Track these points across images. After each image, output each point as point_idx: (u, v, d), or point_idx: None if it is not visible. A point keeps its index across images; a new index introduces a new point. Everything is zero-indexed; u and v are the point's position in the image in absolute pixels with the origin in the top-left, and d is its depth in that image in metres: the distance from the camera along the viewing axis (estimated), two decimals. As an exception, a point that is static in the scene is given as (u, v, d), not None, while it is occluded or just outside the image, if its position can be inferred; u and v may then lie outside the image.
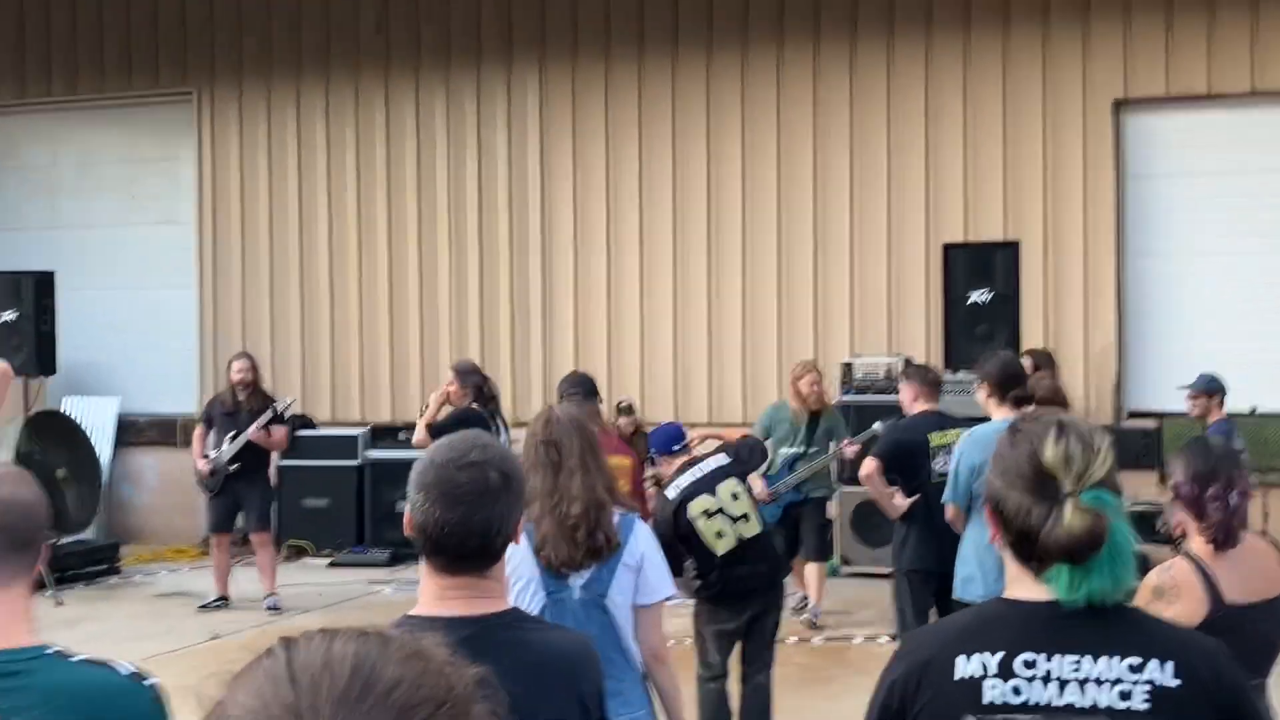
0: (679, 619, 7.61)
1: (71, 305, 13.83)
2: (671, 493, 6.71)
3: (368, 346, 14.07)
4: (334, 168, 14.16)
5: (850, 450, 9.75)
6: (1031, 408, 6.75)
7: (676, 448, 6.86)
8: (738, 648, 6.99)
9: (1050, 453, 2.33)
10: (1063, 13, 12.27)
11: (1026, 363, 9.07)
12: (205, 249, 14.58)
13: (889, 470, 7.50)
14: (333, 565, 12.76)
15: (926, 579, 7.41)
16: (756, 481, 9.36)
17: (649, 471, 8.72)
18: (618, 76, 13.35)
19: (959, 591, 6.64)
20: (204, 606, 11.04)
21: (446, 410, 9.49)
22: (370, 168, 14.05)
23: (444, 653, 1.16)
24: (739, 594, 6.77)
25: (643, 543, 4.40)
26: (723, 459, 6.88)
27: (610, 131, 13.38)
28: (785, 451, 10.04)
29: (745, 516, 6.74)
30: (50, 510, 2.56)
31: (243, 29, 14.41)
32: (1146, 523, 9.08)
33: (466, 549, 2.59)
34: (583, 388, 6.92)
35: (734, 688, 7.09)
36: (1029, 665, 2.33)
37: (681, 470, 6.76)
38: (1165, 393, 11.07)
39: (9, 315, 13.10)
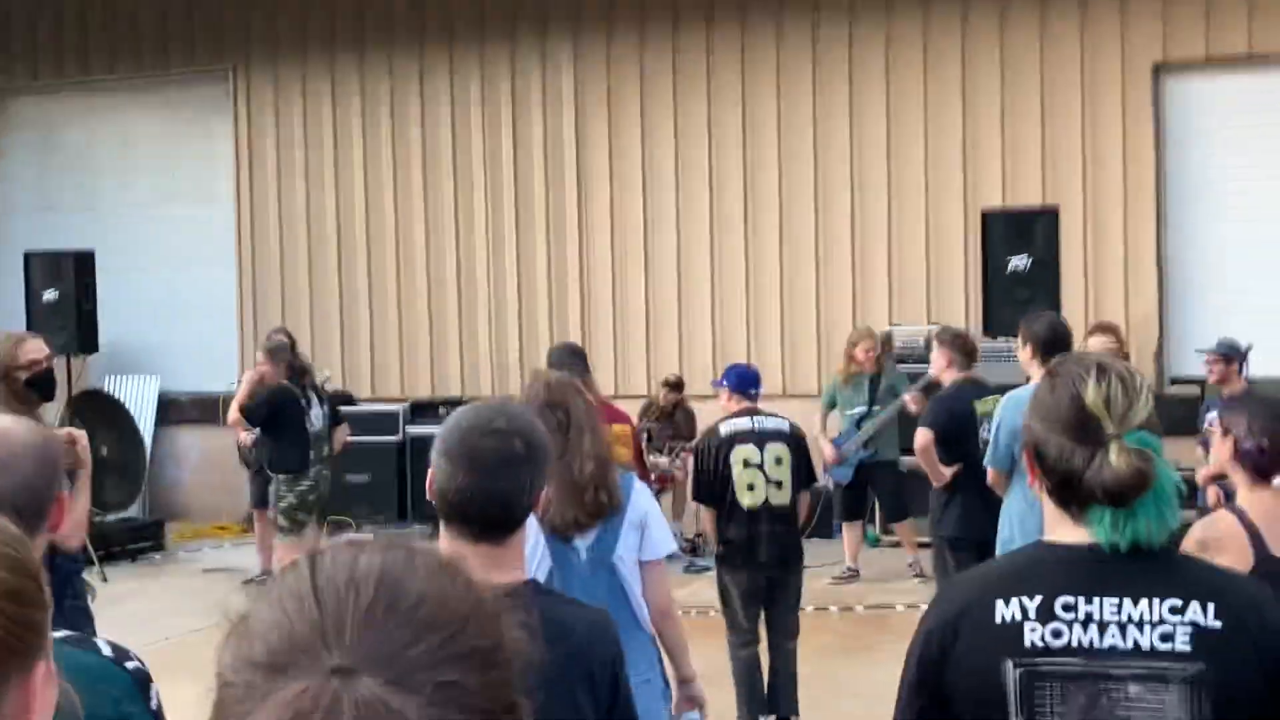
0: (710, 590, 7.64)
1: (111, 284, 13.90)
2: (724, 429, 6.82)
3: (406, 322, 14.10)
4: (370, 144, 14.18)
5: (914, 404, 9.78)
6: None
7: (753, 391, 6.96)
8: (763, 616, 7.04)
9: (1092, 395, 2.30)
10: (1101, -24, 12.14)
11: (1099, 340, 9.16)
12: (243, 227, 14.63)
13: (937, 440, 7.44)
14: (374, 540, 12.79)
15: (968, 547, 7.35)
16: (825, 445, 9.54)
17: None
18: (652, 48, 13.30)
19: (999, 554, 6.60)
20: (249, 581, 11.10)
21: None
22: (405, 143, 14.06)
23: (468, 568, 1.14)
24: (753, 552, 6.84)
25: (644, 501, 4.43)
26: (784, 425, 6.95)
27: (645, 105, 13.34)
28: (850, 413, 10.57)
29: (780, 483, 6.80)
30: (39, 478, 2.47)
31: (278, 5, 14.43)
32: (1190, 489, 9.00)
33: (487, 516, 2.57)
34: (579, 358, 6.90)
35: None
36: (1069, 608, 2.30)
37: (740, 414, 6.86)
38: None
39: (50, 295, 13.18)
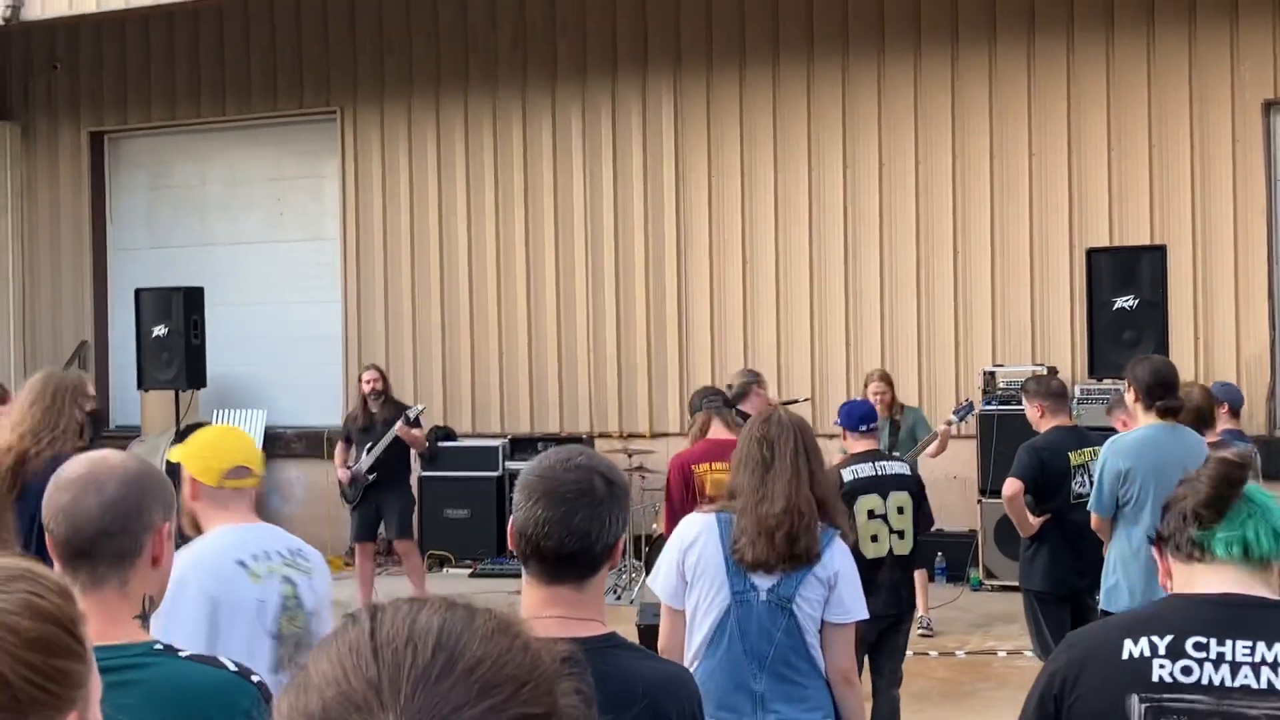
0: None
1: (220, 320, 14.19)
2: (848, 475, 6.62)
3: (507, 359, 14.20)
4: (473, 183, 14.33)
5: (943, 433, 9.73)
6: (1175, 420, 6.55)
7: (864, 428, 6.70)
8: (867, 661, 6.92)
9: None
10: (1210, 11, 11.96)
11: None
12: (349, 264, 14.85)
13: (1027, 489, 7.27)
14: (474, 576, 12.89)
15: (1056, 601, 7.19)
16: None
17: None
18: (752, 85, 13.32)
19: (1104, 602, 6.46)
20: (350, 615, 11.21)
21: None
22: (508, 182, 14.19)
23: (528, 627, 1.14)
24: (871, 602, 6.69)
25: (839, 559, 4.31)
26: (905, 470, 6.80)
27: (745, 141, 13.35)
28: None
29: (902, 533, 6.65)
30: (136, 509, 2.49)
31: (384, 49, 14.67)
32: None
33: (565, 550, 2.52)
34: (721, 396, 7.06)
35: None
36: (1199, 647, 2.30)
37: (863, 458, 6.65)
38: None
39: (160, 330, 13.47)
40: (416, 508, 12.04)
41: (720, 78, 13.43)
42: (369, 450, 11.21)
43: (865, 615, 4.41)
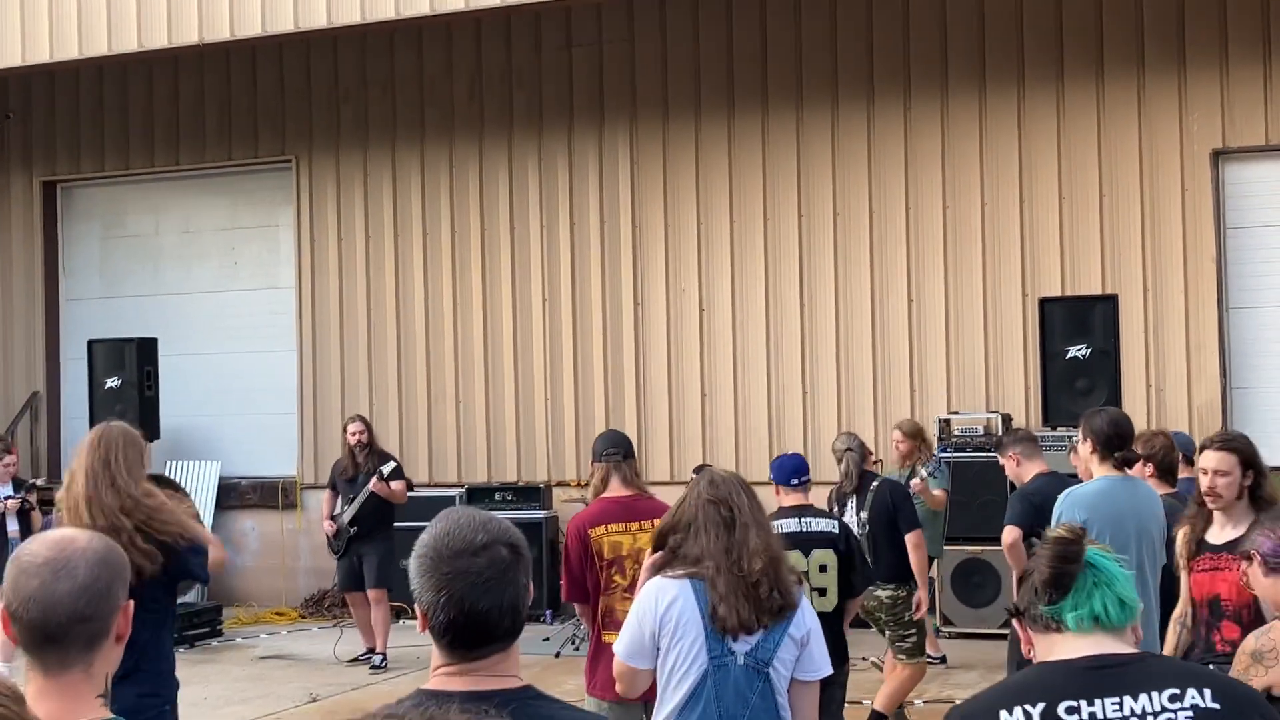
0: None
1: (174, 370, 14.09)
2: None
3: (464, 408, 14.16)
4: (429, 232, 14.32)
5: (916, 485, 9.73)
6: (1133, 469, 6.58)
7: (795, 482, 6.61)
8: None
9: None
10: (1158, 63, 12.14)
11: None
12: (304, 314, 14.78)
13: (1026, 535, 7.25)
14: (430, 627, 12.80)
15: None
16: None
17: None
18: (708, 137, 13.39)
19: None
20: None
21: None
22: (464, 231, 14.19)
23: None
24: None
25: (809, 617, 4.31)
26: (832, 527, 6.64)
27: (700, 192, 13.41)
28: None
29: (824, 591, 6.54)
30: (106, 590, 2.44)
31: (340, 97, 14.67)
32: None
33: (500, 630, 2.49)
34: (622, 447, 6.73)
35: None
36: (1071, 711, 2.43)
37: (789, 513, 6.53)
38: (1274, 445, 10.80)
39: (114, 382, 13.37)
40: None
41: (676, 129, 13.50)
42: (350, 503, 11.41)
43: (830, 671, 4.40)
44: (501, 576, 2.49)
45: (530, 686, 2.56)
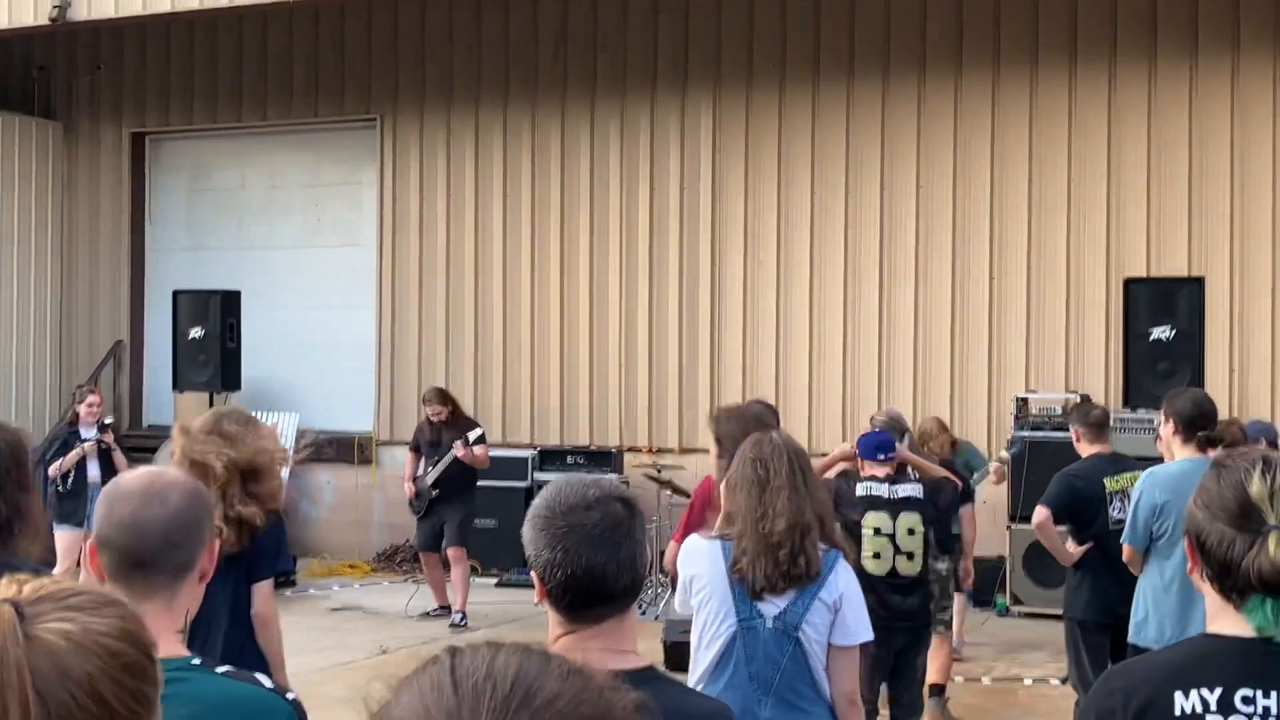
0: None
1: (255, 323, 14.26)
2: (860, 490, 6.77)
3: (539, 370, 14.24)
4: (510, 194, 14.39)
5: (995, 471, 10.03)
6: (1219, 450, 6.51)
7: (881, 457, 6.87)
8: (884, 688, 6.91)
9: (1256, 486, 2.34)
10: (1252, 41, 11.92)
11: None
12: (385, 271, 14.91)
13: (1061, 518, 7.23)
14: (500, 585, 12.92)
15: (1099, 629, 7.13)
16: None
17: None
18: (791, 105, 13.33)
19: (1132, 636, 6.40)
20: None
21: None
22: (545, 193, 14.24)
23: (604, 674, 1.18)
24: (882, 621, 6.69)
25: (843, 581, 4.28)
26: (919, 492, 6.87)
27: (782, 161, 13.36)
28: None
29: (911, 555, 6.70)
30: (196, 522, 2.51)
31: (425, 57, 14.74)
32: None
33: (619, 588, 2.48)
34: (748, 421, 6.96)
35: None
36: (1247, 701, 2.32)
37: (880, 479, 6.81)
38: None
39: (196, 332, 13.56)
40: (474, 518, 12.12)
41: (759, 97, 13.44)
42: (434, 465, 11.50)
43: (870, 637, 4.40)
44: (615, 529, 2.48)
45: (653, 666, 2.55)
